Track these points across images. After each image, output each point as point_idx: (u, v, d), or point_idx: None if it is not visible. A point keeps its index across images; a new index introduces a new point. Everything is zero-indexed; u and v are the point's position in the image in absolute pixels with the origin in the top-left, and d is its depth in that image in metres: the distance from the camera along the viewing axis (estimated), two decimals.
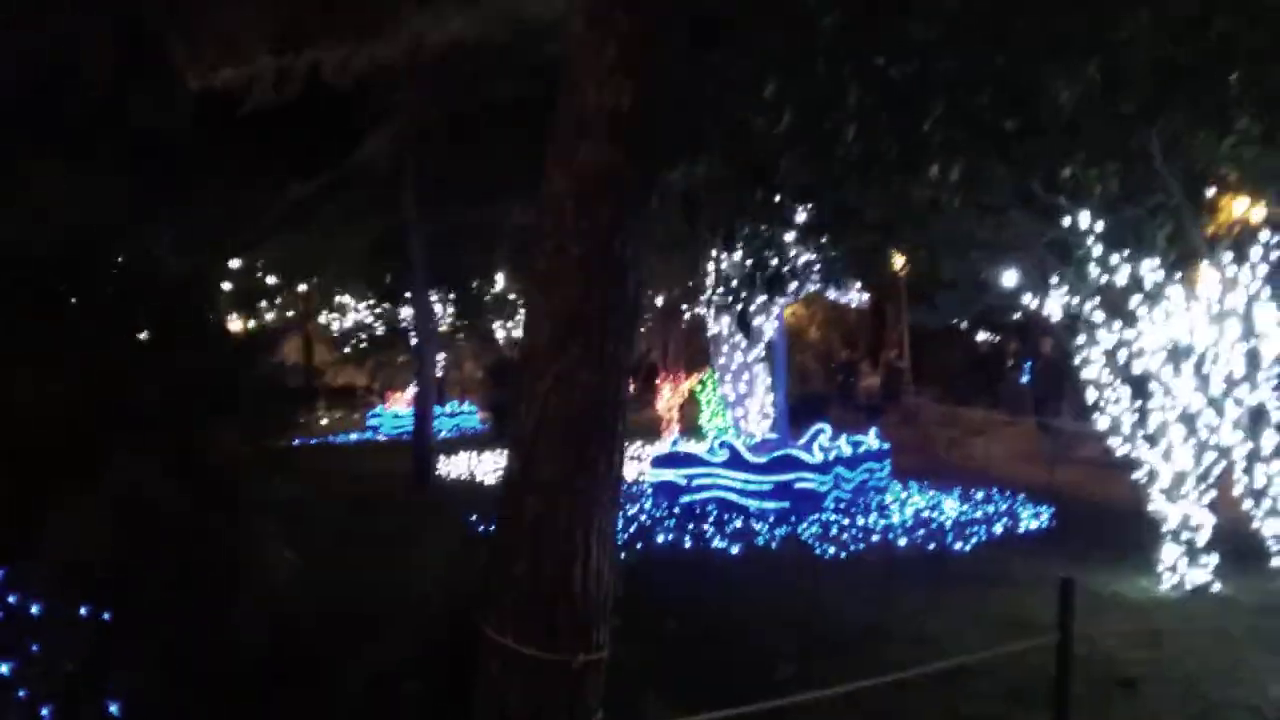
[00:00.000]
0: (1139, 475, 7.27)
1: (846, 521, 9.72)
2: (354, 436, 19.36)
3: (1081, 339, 7.33)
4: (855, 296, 12.29)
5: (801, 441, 10.86)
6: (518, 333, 17.65)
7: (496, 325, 20.86)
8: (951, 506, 10.55)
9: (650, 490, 11.07)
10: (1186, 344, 6.85)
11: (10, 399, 4.40)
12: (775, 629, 6.14)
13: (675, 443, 11.93)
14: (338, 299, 21.80)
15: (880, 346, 22.02)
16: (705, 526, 9.54)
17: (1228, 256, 6.61)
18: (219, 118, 8.42)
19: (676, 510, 10.35)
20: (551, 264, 3.35)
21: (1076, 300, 7.25)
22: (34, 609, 3.91)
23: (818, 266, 9.04)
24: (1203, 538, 7.01)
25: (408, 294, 15.08)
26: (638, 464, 13.34)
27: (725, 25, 4.91)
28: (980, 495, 11.06)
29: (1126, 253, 6.88)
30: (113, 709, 3.84)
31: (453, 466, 13.92)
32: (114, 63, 6.41)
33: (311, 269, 19.06)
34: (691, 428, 15.45)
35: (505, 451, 3.71)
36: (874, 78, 4.95)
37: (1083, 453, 11.94)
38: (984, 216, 6.55)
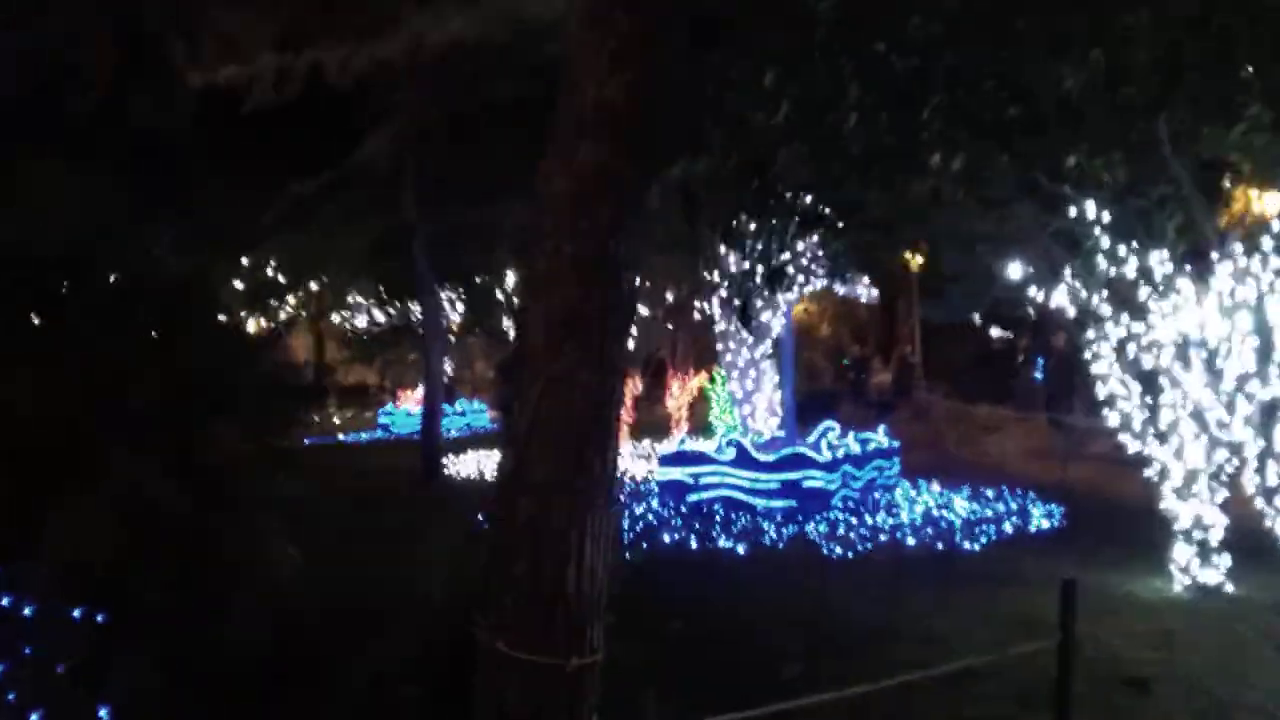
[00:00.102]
0: (1150, 473, 7.18)
1: (855, 520, 9.65)
2: (365, 435, 19.42)
3: (1090, 333, 7.23)
4: (864, 292, 12.19)
5: (810, 439, 10.80)
6: None
7: (508, 323, 20.86)
8: (961, 505, 10.45)
9: (657, 489, 11.03)
10: (1197, 338, 6.74)
11: (9, 399, 4.40)
12: (781, 629, 6.10)
13: (683, 441, 11.91)
14: (350, 298, 21.87)
15: (891, 342, 21.90)
16: (712, 525, 9.49)
17: (1239, 248, 6.50)
18: (219, 117, 8.42)
19: (683, 509, 10.31)
20: (550, 264, 3.33)
21: (1084, 293, 7.16)
22: (27, 610, 3.90)
23: (822, 261, 8.97)
24: (1215, 537, 6.90)
25: (415, 292, 15.08)
26: (646, 462, 13.33)
27: (725, 25, 4.87)
28: (991, 493, 10.96)
29: (1135, 244, 6.78)
30: (103, 714, 3.82)
31: (462, 465, 13.93)
32: (114, 63, 6.41)
33: (314, 268, 19.11)
34: (701, 425, 15.40)
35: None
36: (874, 73, 4.90)
37: (1095, 449, 11.81)
38: (986, 209, 6.47)
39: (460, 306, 20.12)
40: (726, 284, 10.80)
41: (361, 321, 22.18)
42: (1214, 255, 6.56)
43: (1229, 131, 5.88)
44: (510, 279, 19.16)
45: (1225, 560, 6.88)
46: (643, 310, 14.72)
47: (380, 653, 4.97)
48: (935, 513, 10.07)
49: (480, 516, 8.73)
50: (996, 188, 6.21)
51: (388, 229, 12.88)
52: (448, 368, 20.23)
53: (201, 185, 8.59)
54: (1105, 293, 7.06)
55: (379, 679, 4.67)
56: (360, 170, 10.62)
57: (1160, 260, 6.78)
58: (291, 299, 22.80)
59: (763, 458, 10.35)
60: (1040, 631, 5.26)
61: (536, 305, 3.39)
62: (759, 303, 11.21)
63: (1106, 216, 6.72)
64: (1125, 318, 7.03)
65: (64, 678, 3.86)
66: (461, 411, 20.05)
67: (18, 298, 4.92)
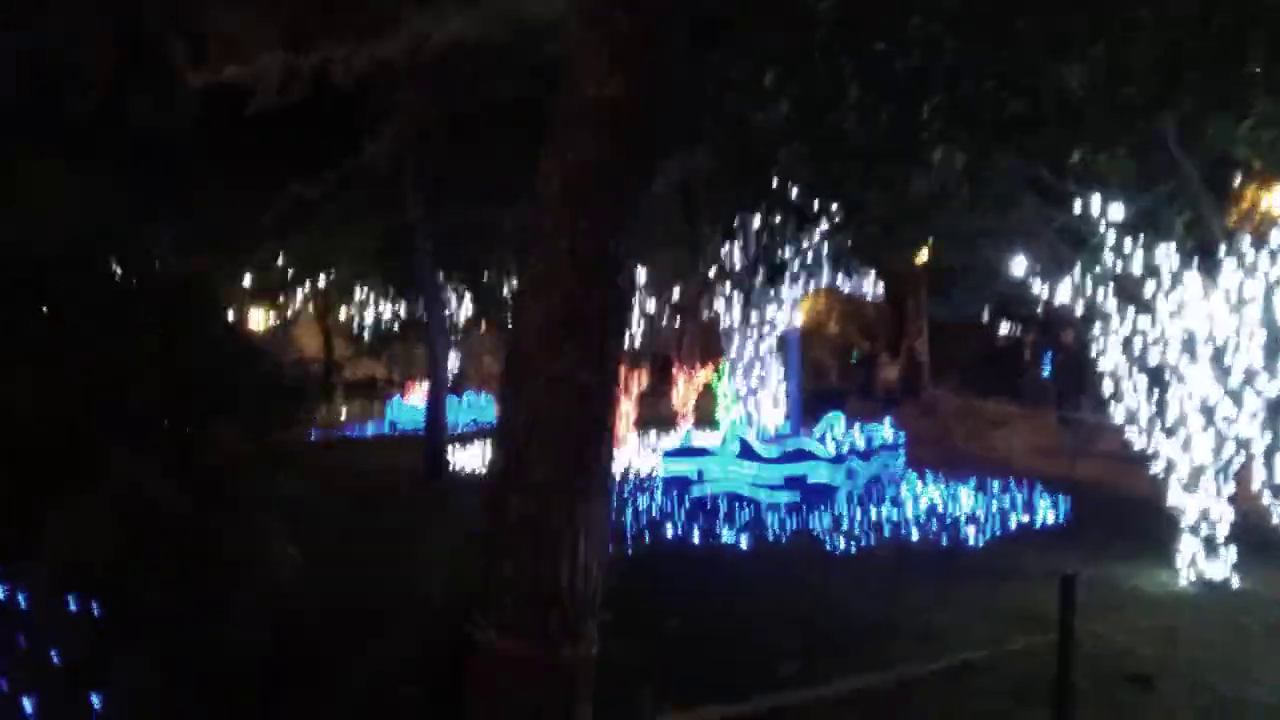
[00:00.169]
0: (1157, 468, 7.13)
1: (859, 514, 9.63)
2: (371, 429, 19.48)
3: (1097, 329, 7.19)
4: (870, 289, 12.14)
5: (815, 432, 10.77)
6: None
7: None
8: (967, 499, 10.41)
9: (661, 483, 11.03)
10: (1204, 333, 6.69)
11: (9, 399, 4.42)
12: (780, 625, 6.08)
13: (687, 435, 11.89)
14: (356, 294, 21.91)
15: (899, 339, 21.81)
16: (715, 520, 9.48)
17: (1247, 242, 6.44)
18: (221, 118, 8.42)
19: (687, 503, 10.30)
20: (549, 263, 3.33)
21: (1090, 289, 7.11)
22: (21, 601, 3.92)
23: (826, 259, 8.94)
24: (1221, 531, 6.86)
25: (418, 289, 15.10)
26: (651, 456, 13.33)
27: (725, 25, 4.85)
28: (997, 488, 10.92)
29: (1141, 239, 6.73)
30: (96, 703, 3.84)
31: (467, 460, 13.95)
32: (114, 63, 6.42)
33: (319, 266, 19.16)
34: (707, 420, 15.38)
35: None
36: (874, 72, 4.88)
37: (1103, 446, 11.75)
38: (987, 206, 6.43)
39: (468, 300, 20.12)
40: (729, 280, 10.77)
41: (368, 317, 22.22)
42: (1222, 251, 6.50)
43: (1236, 127, 5.83)
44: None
45: (1231, 555, 6.84)
46: (650, 306, 14.72)
47: (380, 652, 4.98)
48: (940, 507, 10.03)
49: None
50: (998, 185, 6.16)
51: (389, 228, 12.89)
52: (455, 362, 20.26)
53: (202, 185, 8.62)
54: (1111, 289, 7.02)
55: (379, 679, 4.68)
56: (362, 170, 10.62)
57: (1167, 256, 6.73)
58: (299, 295, 22.87)
59: (767, 452, 10.33)
60: (1042, 627, 5.23)
61: (535, 304, 3.39)
62: (764, 298, 11.19)
63: (1113, 212, 6.66)
64: (1132, 314, 6.98)
65: (60, 671, 3.88)
66: (469, 406, 20.07)
67: (17, 298, 4.94)
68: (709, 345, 14.66)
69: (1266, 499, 6.64)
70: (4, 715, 3.79)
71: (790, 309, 11.54)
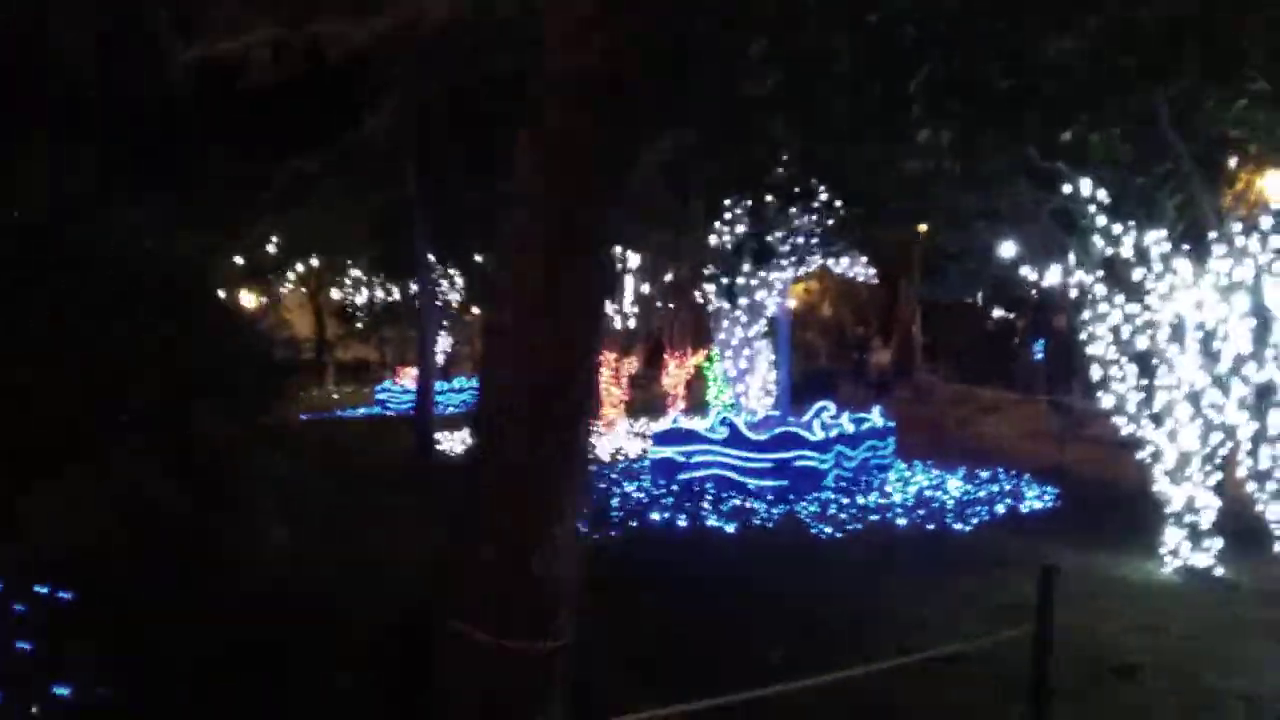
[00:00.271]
0: (1144, 455, 7.10)
1: (846, 500, 9.59)
2: (362, 411, 19.43)
3: (1087, 314, 7.13)
4: (862, 271, 12.07)
5: (804, 419, 10.73)
6: None
7: None
8: (955, 486, 10.39)
9: (650, 466, 10.99)
10: (1193, 319, 6.63)
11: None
12: (765, 612, 6.04)
13: (676, 419, 11.84)
14: (351, 273, 21.80)
15: (893, 322, 21.77)
16: (703, 504, 9.44)
17: (1237, 226, 6.37)
18: (216, 92, 8.30)
19: (675, 487, 10.26)
20: (524, 237, 3.24)
21: (1080, 272, 7.04)
22: None
23: (815, 240, 8.84)
24: (1206, 520, 6.82)
25: (412, 268, 15.01)
26: (641, 440, 13.29)
27: None
28: (986, 475, 10.89)
29: (1131, 223, 6.66)
30: (62, 691, 3.78)
31: (456, 442, 13.90)
32: (99, 42, 6.30)
33: (314, 244, 19.03)
34: (699, 404, 15.35)
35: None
36: (865, 42, 4.77)
37: (1094, 431, 11.74)
38: (981, 186, 6.35)
39: (460, 283, 20.02)
40: (715, 260, 10.68)
41: (361, 298, 22.12)
42: (1211, 235, 6.43)
43: (1230, 106, 5.75)
44: None
45: (1216, 544, 6.81)
46: (643, 288, 14.64)
47: (354, 636, 4.94)
48: (928, 493, 10.00)
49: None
50: (990, 164, 6.08)
51: (387, 203, 12.78)
52: (446, 344, 20.18)
53: (198, 160, 8.52)
54: (1101, 273, 6.95)
55: (349, 663, 4.63)
56: (360, 145, 10.52)
57: (1157, 240, 6.66)
58: (291, 275, 22.76)
59: (755, 437, 10.28)
60: (1027, 617, 5.20)
61: (511, 280, 3.30)
62: (753, 281, 11.10)
63: (1102, 194, 6.58)
64: (1121, 298, 6.92)
65: (25, 657, 3.82)
66: (460, 389, 20.00)
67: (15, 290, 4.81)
68: (700, 328, 14.61)
69: (1251, 488, 6.60)
70: None
71: (780, 292, 11.46)
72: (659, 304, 15.28)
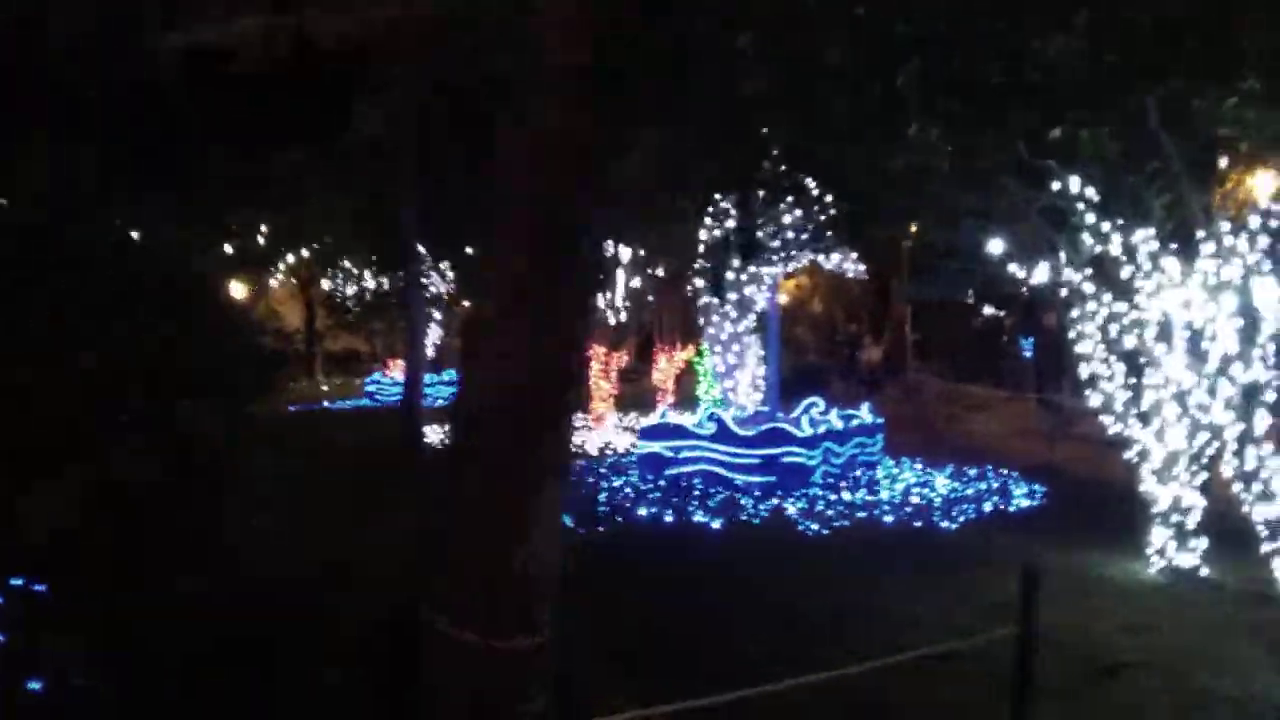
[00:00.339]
0: (1131, 454, 7.09)
1: (834, 497, 9.57)
2: (351, 403, 19.37)
3: (1075, 312, 7.11)
4: (852, 267, 12.03)
5: (793, 415, 10.70)
6: None
7: None
8: (943, 483, 10.38)
9: (637, 461, 10.96)
10: (1181, 319, 6.62)
11: None
12: (750, 609, 6.02)
13: (664, 414, 11.81)
14: (342, 264, 21.69)
15: (883, 319, 21.78)
16: (690, 499, 9.41)
17: (1225, 226, 6.35)
18: (208, 84, 8.22)
19: (662, 482, 10.23)
20: (502, 229, 3.20)
21: (1069, 270, 7.02)
22: None
23: (805, 236, 8.80)
24: (1193, 520, 6.82)
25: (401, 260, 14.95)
26: (630, 435, 13.26)
27: None
28: (973, 472, 10.88)
29: (1120, 221, 6.64)
30: (35, 685, 3.74)
31: (444, 435, 13.85)
32: (95, 37, 6.22)
33: (304, 236, 18.96)
34: (689, 398, 15.31)
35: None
36: (858, 39, 4.73)
37: (1083, 429, 11.75)
38: (972, 183, 6.31)
39: (451, 275, 19.94)
40: (703, 255, 10.64)
41: (350, 289, 22.02)
42: (1200, 234, 6.42)
43: (1221, 105, 5.72)
44: None
45: (1202, 544, 6.80)
46: (633, 283, 14.60)
47: (335, 631, 4.90)
48: (916, 491, 10.00)
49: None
50: (980, 161, 6.05)
51: (376, 197, 12.72)
52: (436, 337, 20.10)
53: (189, 152, 8.42)
54: (1090, 271, 6.93)
55: (332, 658, 4.60)
56: (353, 139, 10.48)
57: (1145, 238, 6.64)
58: (281, 266, 22.64)
59: (743, 432, 10.25)
60: (1011, 615, 5.19)
61: (493, 272, 3.26)
62: (743, 276, 11.07)
63: (1091, 192, 6.56)
64: (1109, 297, 6.90)
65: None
66: (449, 381, 19.94)
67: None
68: (691, 323, 14.57)
69: (1237, 489, 6.59)
70: None
71: (770, 287, 11.42)
72: (649, 298, 15.25)
